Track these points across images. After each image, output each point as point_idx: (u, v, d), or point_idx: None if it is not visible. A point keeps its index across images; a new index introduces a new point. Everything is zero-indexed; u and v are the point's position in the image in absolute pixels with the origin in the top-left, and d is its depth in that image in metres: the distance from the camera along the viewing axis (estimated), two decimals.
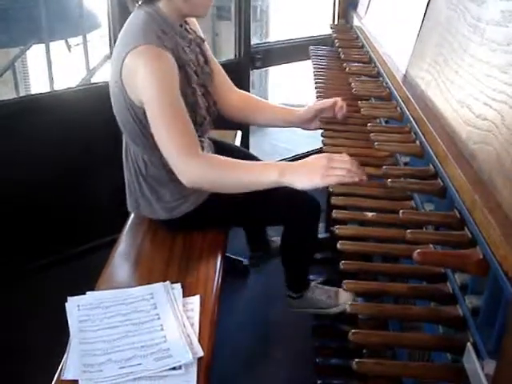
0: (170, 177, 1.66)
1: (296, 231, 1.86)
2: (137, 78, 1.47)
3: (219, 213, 1.79)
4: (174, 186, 1.69)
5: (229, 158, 1.54)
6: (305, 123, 1.86)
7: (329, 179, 1.39)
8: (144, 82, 1.46)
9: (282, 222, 1.87)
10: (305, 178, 1.43)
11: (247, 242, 2.36)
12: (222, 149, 1.88)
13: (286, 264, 1.98)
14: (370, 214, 1.34)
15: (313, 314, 2.08)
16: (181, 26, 1.64)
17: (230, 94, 1.87)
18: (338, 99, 1.79)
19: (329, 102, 1.79)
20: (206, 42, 1.77)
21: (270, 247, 2.33)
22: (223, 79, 1.86)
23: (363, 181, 1.38)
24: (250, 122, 2.01)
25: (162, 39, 1.50)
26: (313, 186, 1.42)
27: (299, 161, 1.48)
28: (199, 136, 1.61)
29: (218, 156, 1.57)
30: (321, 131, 1.77)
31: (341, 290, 2.06)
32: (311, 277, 2.20)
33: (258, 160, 2.00)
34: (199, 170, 1.51)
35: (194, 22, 1.76)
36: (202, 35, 1.77)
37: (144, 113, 1.53)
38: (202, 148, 1.64)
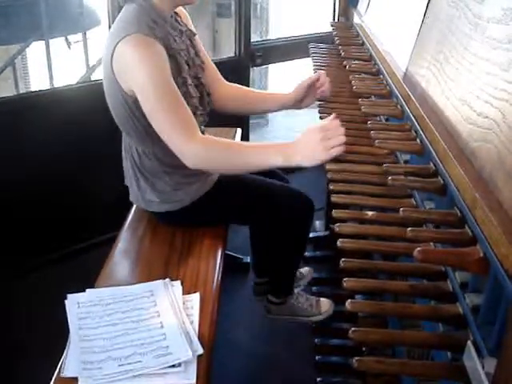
0: (164, 169, 1.68)
1: (290, 230, 1.81)
2: (127, 66, 1.49)
3: (217, 207, 1.78)
4: (169, 179, 1.69)
5: (231, 140, 1.53)
6: (296, 103, 1.88)
7: (331, 152, 1.40)
8: (134, 69, 1.47)
9: (276, 219, 1.79)
10: (309, 156, 1.43)
11: (252, 266, 2.12)
12: None
13: (274, 266, 1.94)
14: (370, 213, 1.34)
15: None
16: (171, 17, 1.65)
17: (220, 87, 1.88)
18: (322, 73, 1.84)
19: (314, 76, 1.83)
20: (197, 36, 1.78)
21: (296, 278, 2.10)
22: (213, 73, 1.87)
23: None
24: (243, 112, 2.02)
25: (152, 29, 1.52)
26: (319, 162, 1.43)
27: (296, 140, 1.46)
28: None
29: (221, 138, 1.57)
30: None
31: (322, 299, 2.06)
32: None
33: None
34: (202, 152, 1.51)
35: (185, 16, 1.78)
36: (194, 29, 1.78)
37: (134, 101, 1.53)
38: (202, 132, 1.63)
